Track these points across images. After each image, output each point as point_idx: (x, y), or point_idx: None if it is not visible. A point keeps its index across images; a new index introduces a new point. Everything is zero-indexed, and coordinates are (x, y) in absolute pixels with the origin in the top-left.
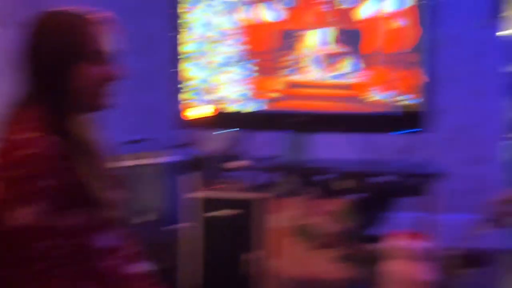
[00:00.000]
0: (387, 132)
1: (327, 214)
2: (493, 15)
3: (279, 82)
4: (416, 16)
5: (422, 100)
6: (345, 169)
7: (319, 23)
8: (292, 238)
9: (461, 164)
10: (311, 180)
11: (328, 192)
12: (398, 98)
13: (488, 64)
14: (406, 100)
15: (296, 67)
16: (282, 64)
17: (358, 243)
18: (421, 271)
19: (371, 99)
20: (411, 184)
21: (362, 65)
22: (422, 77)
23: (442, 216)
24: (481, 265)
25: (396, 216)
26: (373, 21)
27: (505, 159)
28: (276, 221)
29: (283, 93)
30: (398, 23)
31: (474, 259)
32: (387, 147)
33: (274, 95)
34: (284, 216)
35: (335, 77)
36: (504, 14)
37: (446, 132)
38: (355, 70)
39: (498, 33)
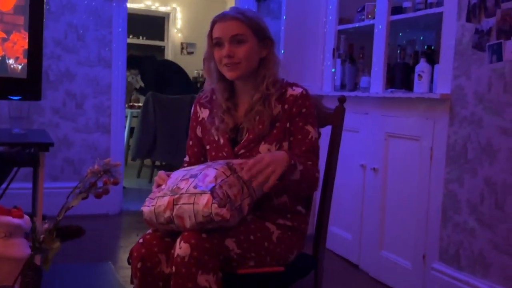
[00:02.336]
0: None
1: None
2: None
3: None
4: None
5: (30, 66)
6: None
7: None
8: None
9: (74, 132)
10: None
11: None
12: (6, 62)
13: (111, 34)
14: (13, 64)
15: None
16: None
17: None
18: (16, 247)
19: None
20: (21, 154)
21: None
22: (29, 42)
23: (48, 185)
24: (74, 236)
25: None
26: None
27: (124, 128)
28: None
29: None
30: None
31: (68, 231)
32: None
33: None
34: None
35: None
36: None
37: (56, 100)
38: None
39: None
